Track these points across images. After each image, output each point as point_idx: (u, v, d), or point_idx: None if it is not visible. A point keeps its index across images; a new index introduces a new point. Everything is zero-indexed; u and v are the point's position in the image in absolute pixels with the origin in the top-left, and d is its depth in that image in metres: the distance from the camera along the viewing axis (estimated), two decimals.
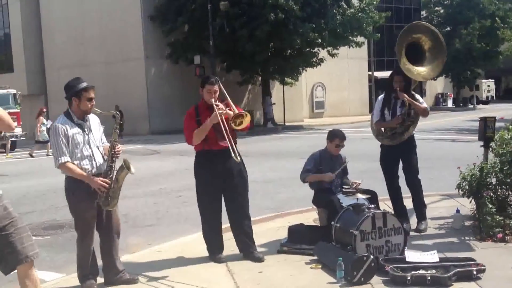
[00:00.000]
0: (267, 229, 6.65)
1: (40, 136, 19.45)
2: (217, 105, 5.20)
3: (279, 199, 9.11)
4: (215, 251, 5.54)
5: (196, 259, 5.66)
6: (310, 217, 7.13)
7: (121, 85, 28.91)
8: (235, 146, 5.29)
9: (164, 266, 5.43)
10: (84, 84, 4.69)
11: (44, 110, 21.48)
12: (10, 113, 16.85)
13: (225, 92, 5.48)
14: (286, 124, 30.70)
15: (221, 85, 5.42)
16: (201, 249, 5.94)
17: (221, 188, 5.44)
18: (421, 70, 6.34)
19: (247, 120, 5.14)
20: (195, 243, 6.26)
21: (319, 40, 27.13)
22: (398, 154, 6.42)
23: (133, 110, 26.50)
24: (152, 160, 16.45)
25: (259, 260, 5.43)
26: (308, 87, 39.20)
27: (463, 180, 6.26)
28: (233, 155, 5.12)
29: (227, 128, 5.15)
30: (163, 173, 13.09)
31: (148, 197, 9.93)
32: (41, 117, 19.75)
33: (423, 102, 6.38)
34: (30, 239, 3.82)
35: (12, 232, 3.71)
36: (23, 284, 3.87)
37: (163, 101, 28.81)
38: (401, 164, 6.50)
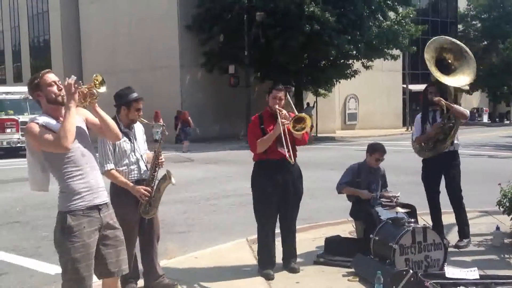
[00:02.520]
0: (302, 240, 6.63)
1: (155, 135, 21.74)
2: (280, 111, 5.19)
3: (310, 209, 9.08)
4: (265, 264, 5.44)
5: (231, 267, 5.72)
6: (345, 229, 7.11)
7: (156, 92, 29.25)
8: (295, 156, 5.29)
9: (201, 273, 5.51)
10: (135, 95, 4.83)
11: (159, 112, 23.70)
12: None
13: (292, 103, 5.51)
14: (318, 135, 30.68)
15: (288, 96, 5.44)
16: (236, 257, 6.02)
17: (277, 198, 5.37)
18: (453, 79, 6.26)
19: (308, 124, 5.07)
20: (229, 251, 6.35)
21: (354, 52, 27.06)
22: (441, 170, 6.35)
23: (166, 118, 26.83)
24: (184, 167, 16.60)
25: (295, 271, 5.46)
26: (341, 99, 39.08)
27: (503, 197, 6.17)
28: (287, 155, 5.08)
29: (288, 138, 5.13)
30: (194, 180, 13.20)
31: (179, 204, 10.04)
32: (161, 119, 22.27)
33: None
34: (125, 253, 3.80)
35: (112, 243, 3.69)
36: None
37: (196, 110, 29.06)
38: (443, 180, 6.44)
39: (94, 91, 3.58)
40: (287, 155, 5.11)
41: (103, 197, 3.70)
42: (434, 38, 6.47)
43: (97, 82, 3.57)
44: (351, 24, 26.06)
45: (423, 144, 6.42)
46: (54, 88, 3.53)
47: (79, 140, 3.56)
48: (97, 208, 3.61)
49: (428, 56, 6.23)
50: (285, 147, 5.11)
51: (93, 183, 3.59)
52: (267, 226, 5.46)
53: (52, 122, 3.52)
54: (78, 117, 3.58)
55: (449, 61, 6.36)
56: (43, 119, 3.52)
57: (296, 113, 5.35)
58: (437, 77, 6.14)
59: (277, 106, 5.25)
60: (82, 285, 3.51)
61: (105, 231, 3.65)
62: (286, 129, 5.12)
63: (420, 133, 6.40)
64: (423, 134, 6.37)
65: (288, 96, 5.47)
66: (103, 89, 3.60)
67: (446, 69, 6.32)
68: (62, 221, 3.49)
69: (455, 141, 6.35)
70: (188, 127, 23.53)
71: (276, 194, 5.35)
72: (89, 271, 3.52)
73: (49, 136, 3.40)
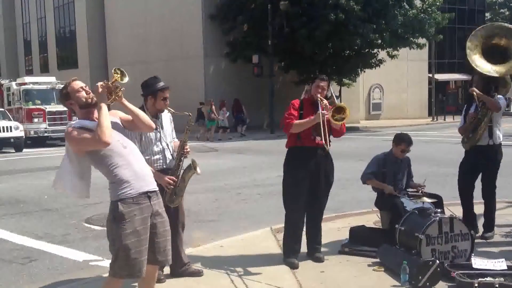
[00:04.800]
0: (328, 229, 6.63)
1: (222, 123, 24.65)
2: (321, 100, 5.21)
3: (338, 200, 9.07)
4: (290, 253, 5.44)
5: (258, 255, 5.74)
6: (371, 219, 7.08)
7: (180, 82, 29.42)
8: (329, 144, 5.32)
9: (227, 261, 5.54)
10: (161, 84, 4.86)
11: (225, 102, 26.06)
12: None
13: (334, 96, 5.50)
14: None
15: (331, 88, 5.46)
16: (263, 246, 6.05)
17: (307, 186, 5.38)
18: (499, 68, 6.08)
19: (347, 114, 5.08)
20: (257, 239, 6.37)
21: (379, 41, 26.77)
22: (478, 162, 6.27)
23: (191, 108, 26.97)
24: (210, 157, 16.70)
25: (320, 260, 5.46)
26: (365, 88, 38.74)
27: None
28: (325, 145, 5.08)
29: (326, 128, 5.14)
30: (222, 170, 13.30)
31: (208, 193, 10.13)
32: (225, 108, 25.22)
33: (500, 99, 6.11)
34: (170, 244, 3.87)
35: (161, 232, 3.77)
36: (148, 284, 3.94)
37: (220, 99, 29.14)
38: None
39: (117, 84, 3.72)
40: (322, 141, 5.09)
41: (152, 185, 3.79)
42: (486, 25, 6.32)
43: (117, 75, 3.72)
44: (376, 13, 25.78)
45: (463, 135, 6.41)
46: (83, 93, 3.71)
47: (118, 135, 3.71)
48: (147, 195, 3.70)
49: (472, 45, 6.07)
50: (322, 137, 5.11)
51: (139, 171, 3.70)
52: (296, 214, 5.45)
53: (87, 122, 3.67)
54: (112, 117, 3.74)
55: (503, 46, 6.10)
56: (78, 122, 3.70)
57: (336, 102, 5.36)
58: (474, 66, 6.01)
59: (319, 95, 5.25)
60: (131, 271, 3.60)
61: (155, 219, 3.74)
62: (325, 119, 5.12)
63: (462, 123, 6.43)
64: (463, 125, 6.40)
65: (331, 89, 5.47)
66: (125, 80, 3.74)
67: (498, 57, 6.09)
68: (114, 210, 3.61)
69: (497, 134, 6.21)
70: (242, 114, 26.17)
71: (307, 182, 5.35)
72: (139, 258, 3.59)
73: (87, 135, 3.56)
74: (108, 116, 3.58)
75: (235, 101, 26.49)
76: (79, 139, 3.59)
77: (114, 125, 3.69)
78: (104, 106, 3.59)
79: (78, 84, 3.73)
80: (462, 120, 6.49)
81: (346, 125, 5.63)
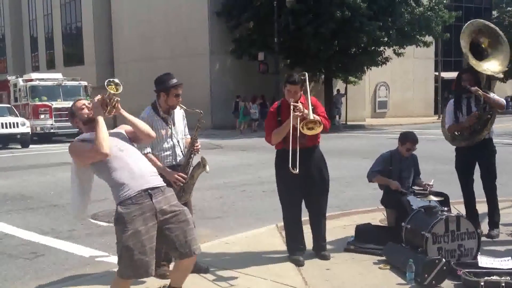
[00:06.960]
0: (333, 227, 6.63)
1: (254, 116, 27.12)
2: (295, 106, 5.13)
3: (343, 197, 9.08)
4: (294, 250, 5.44)
5: (263, 252, 5.74)
6: (376, 217, 7.07)
7: (186, 79, 28.95)
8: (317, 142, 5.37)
9: (232, 258, 5.55)
10: (174, 81, 4.85)
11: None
12: None
13: (308, 90, 5.43)
14: (348, 123, 30.43)
15: (307, 82, 5.37)
16: (268, 243, 6.05)
17: (301, 187, 5.37)
18: (487, 65, 6.01)
19: (317, 130, 5.07)
20: (262, 236, 6.37)
21: (386, 39, 26.69)
22: (475, 158, 6.22)
23: (196, 105, 26.94)
24: (215, 154, 16.70)
25: (325, 258, 5.45)
26: (371, 86, 38.67)
27: None
28: (290, 162, 5.04)
29: (298, 134, 5.11)
30: (227, 167, 13.29)
31: (213, 190, 10.13)
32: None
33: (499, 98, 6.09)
34: (193, 233, 3.83)
35: (174, 226, 3.73)
36: (181, 274, 4.04)
37: (226, 96, 29.18)
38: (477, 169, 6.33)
39: (110, 91, 3.85)
40: (290, 161, 5.04)
41: (154, 181, 3.78)
42: (470, 21, 6.25)
43: (111, 87, 3.87)
44: (382, 11, 25.72)
45: (456, 133, 6.29)
46: (85, 110, 3.96)
47: (115, 140, 3.84)
48: (148, 193, 3.69)
49: (464, 43, 6.05)
50: (291, 144, 5.09)
51: (136, 170, 3.73)
52: (292, 214, 5.48)
53: (87, 135, 3.87)
54: (117, 129, 4.00)
55: (483, 46, 6.14)
56: (80, 136, 3.91)
57: (309, 102, 5.23)
58: (473, 65, 5.96)
59: (292, 101, 5.18)
60: (137, 272, 3.60)
61: (163, 216, 3.71)
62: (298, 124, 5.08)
63: (453, 121, 6.24)
64: (456, 123, 6.21)
65: (307, 84, 5.38)
66: (120, 89, 3.89)
67: (479, 55, 6.07)
68: (116, 212, 3.67)
69: (493, 129, 6.20)
70: (266, 108, 27.63)
71: (299, 182, 5.31)
72: (144, 258, 3.56)
73: (86, 147, 3.73)
74: (104, 128, 3.73)
75: (262, 97, 28.26)
76: (80, 152, 3.80)
77: (116, 134, 3.88)
78: (100, 119, 3.76)
79: (81, 102, 4.04)
80: (451, 117, 6.26)
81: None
